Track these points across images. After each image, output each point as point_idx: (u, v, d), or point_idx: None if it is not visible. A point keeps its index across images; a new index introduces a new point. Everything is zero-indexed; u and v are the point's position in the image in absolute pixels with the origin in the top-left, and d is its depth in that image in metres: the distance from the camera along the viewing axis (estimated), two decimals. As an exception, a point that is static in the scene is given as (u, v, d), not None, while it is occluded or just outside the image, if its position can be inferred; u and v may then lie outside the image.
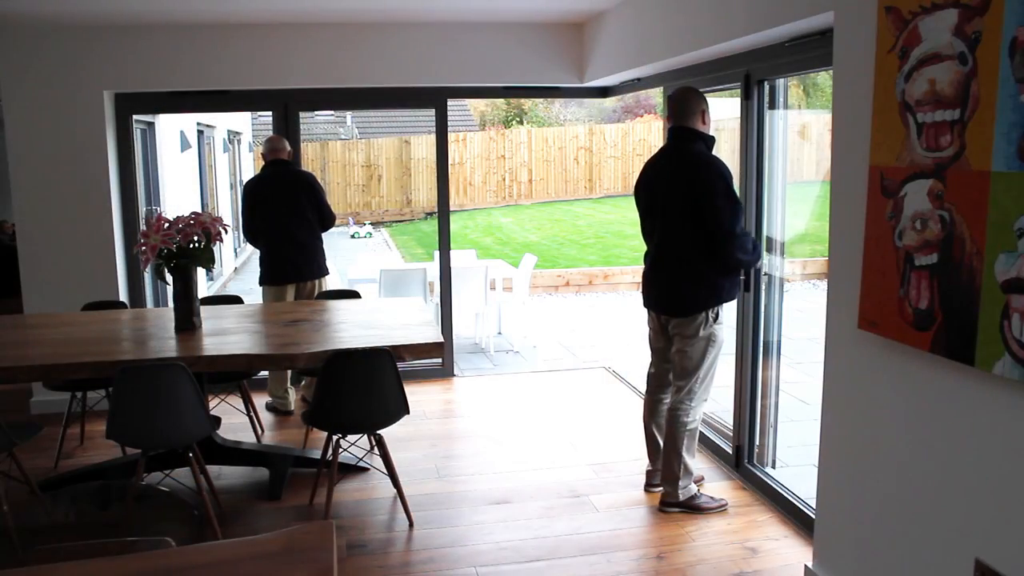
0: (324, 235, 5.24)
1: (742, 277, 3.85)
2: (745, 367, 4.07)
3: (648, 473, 4.04)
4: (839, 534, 2.91)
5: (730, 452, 4.24)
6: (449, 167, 6.16)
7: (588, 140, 20.15)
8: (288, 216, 5.04)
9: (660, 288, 3.72)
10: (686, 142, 3.61)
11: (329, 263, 5.36)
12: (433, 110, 5.89)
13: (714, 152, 3.65)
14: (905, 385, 2.49)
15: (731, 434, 4.29)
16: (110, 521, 3.75)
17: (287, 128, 5.63)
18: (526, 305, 7.83)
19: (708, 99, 3.70)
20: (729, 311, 4.04)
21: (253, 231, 5.17)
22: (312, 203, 5.09)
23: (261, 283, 5.19)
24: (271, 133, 5.52)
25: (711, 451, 4.47)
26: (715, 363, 3.70)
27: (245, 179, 14.33)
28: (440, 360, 6.03)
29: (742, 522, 3.68)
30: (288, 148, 5.17)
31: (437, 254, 6.50)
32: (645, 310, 3.88)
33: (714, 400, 4.50)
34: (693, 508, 3.76)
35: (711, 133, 3.67)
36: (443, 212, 6.04)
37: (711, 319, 3.61)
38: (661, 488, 3.88)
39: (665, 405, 3.87)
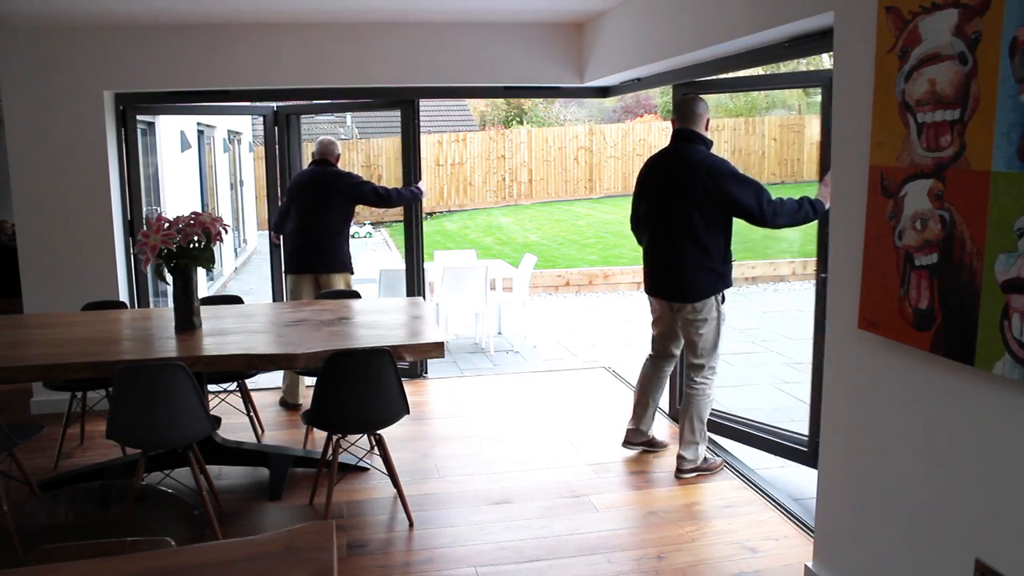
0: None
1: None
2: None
3: (629, 431, 4.42)
4: (839, 534, 2.91)
5: (805, 449, 4.14)
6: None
7: (588, 140, 20.15)
8: (313, 212, 5.25)
9: (672, 277, 4.02)
10: (690, 143, 3.97)
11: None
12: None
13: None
14: (905, 385, 2.49)
15: (786, 432, 4.35)
16: (110, 521, 3.75)
17: (285, 129, 5.80)
18: (526, 305, 7.83)
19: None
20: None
21: (282, 221, 5.44)
22: (343, 200, 5.30)
23: (284, 271, 5.48)
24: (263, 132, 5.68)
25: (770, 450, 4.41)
26: (720, 342, 4.08)
27: (245, 179, 14.44)
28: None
29: (742, 522, 3.68)
30: (336, 152, 5.45)
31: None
32: (649, 296, 4.24)
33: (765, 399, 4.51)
34: (705, 470, 4.16)
35: (710, 138, 4.03)
36: (411, 218, 5.95)
37: (719, 303, 3.98)
38: (638, 448, 4.42)
39: (664, 375, 4.35)
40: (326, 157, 5.39)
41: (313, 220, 5.25)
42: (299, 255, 5.30)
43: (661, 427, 4.82)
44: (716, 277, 3.93)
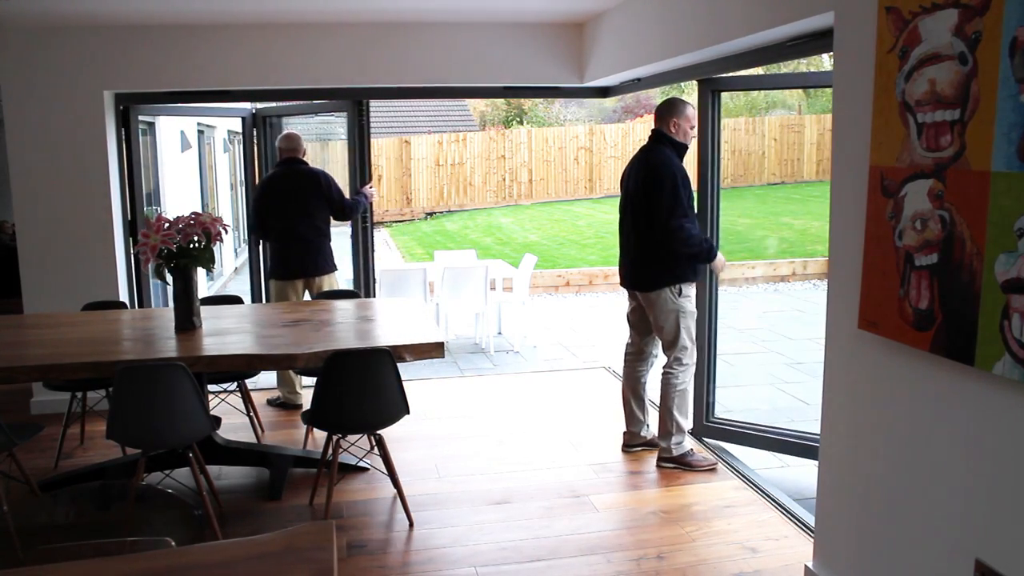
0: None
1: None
2: None
3: (624, 435, 4.52)
4: (839, 534, 2.91)
5: None
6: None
7: (588, 140, 20.16)
8: (297, 215, 5.12)
9: (630, 268, 4.28)
10: (655, 143, 4.18)
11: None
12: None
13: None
14: (905, 385, 2.49)
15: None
16: (110, 521, 3.75)
17: (262, 131, 5.87)
18: (526, 305, 7.83)
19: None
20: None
21: (263, 227, 5.26)
22: (322, 202, 5.16)
23: (268, 277, 5.32)
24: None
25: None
26: (691, 332, 4.19)
27: (245, 179, 14.37)
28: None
29: (742, 522, 3.68)
30: (304, 147, 5.26)
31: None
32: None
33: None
34: (685, 464, 4.22)
35: (683, 141, 4.14)
36: (356, 221, 5.76)
37: (674, 295, 4.12)
38: (638, 449, 4.47)
39: (641, 373, 4.44)
40: (297, 155, 5.19)
41: (301, 224, 5.10)
42: (291, 261, 5.15)
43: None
44: (666, 271, 4.10)
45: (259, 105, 6.03)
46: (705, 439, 4.59)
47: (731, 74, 4.38)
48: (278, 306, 4.65)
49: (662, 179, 4.02)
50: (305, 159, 5.25)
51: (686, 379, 4.22)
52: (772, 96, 23.77)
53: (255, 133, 5.98)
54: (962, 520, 2.27)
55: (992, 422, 2.14)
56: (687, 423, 4.30)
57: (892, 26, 2.39)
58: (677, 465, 4.22)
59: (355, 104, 5.63)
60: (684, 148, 4.15)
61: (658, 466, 4.26)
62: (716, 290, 4.56)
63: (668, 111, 4.13)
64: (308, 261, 5.17)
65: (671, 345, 4.19)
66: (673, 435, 4.22)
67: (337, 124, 24.13)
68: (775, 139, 19.62)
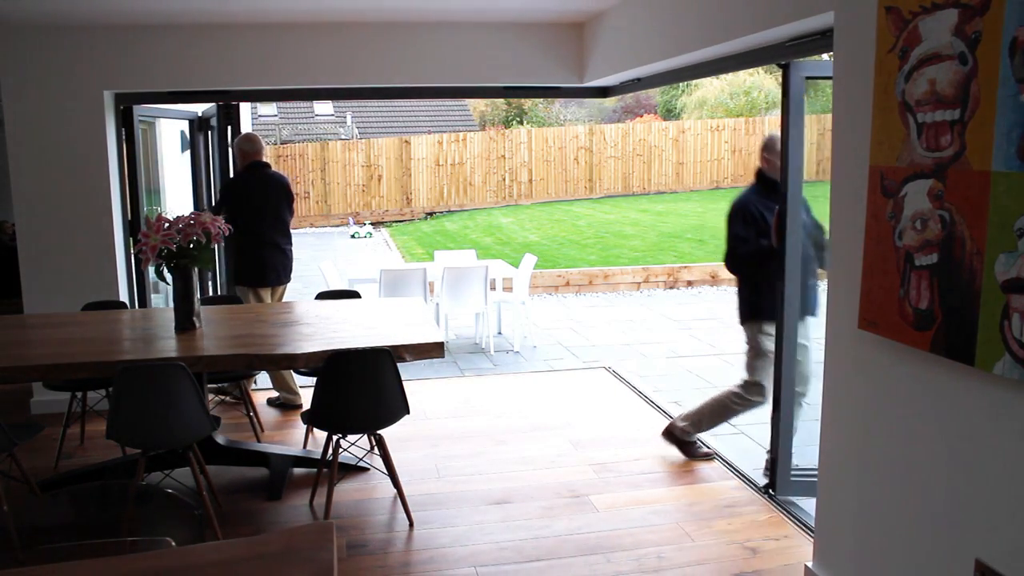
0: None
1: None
2: None
3: (672, 419, 4.57)
4: (839, 534, 2.91)
5: None
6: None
7: (588, 140, 20.17)
8: (271, 222, 5.14)
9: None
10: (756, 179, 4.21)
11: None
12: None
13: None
14: (905, 385, 2.49)
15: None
16: (110, 521, 3.74)
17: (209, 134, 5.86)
18: (526, 305, 7.83)
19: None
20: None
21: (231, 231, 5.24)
22: (290, 207, 5.25)
23: (237, 282, 5.23)
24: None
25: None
26: (760, 375, 4.10)
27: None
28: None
29: (742, 522, 3.68)
30: (265, 148, 5.28)
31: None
32: None
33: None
34: (683, 449, 4.40)
35: (772, 174, 4.01)
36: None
37: (756, 331, 4.13)
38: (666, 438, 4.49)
39: (726, 397, 4.37)
40: (261, 158, 5.20)
41: (275, 231, 5.12)
42: (268, 269, 5.14)
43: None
44: (746, 305, 4.18)
45: (205, 107, 6.01)
46: (779, 496, 3.91)
47: (819, 58, 3.99)
48: (277, 306, 4.65)
49: (729, 218, 4.13)
50: (267, 160, 5.28)
51: (740, 410, 4.24)
52: (772, 96, 23.77)
53: (200, 136, 5.98)
54: (962, 520, 2.27)
55: (992, 422, 2.14)
56: (708, 429, 4.40)
57: (892, 26, 2.39)
58: (676, 446, 4.41)
59: (222, 108, 5.63)
60: (773, 181, 3.95)
61: (662, 435, 4.46)
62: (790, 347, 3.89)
63: (762, 147, 4.19)
64: (282, 269, 5.22)
65: (744, 374, 4.21)
66: (691, 426, 4.37)
67: (337, 124, 24.14)
68: (775, 139, 19.60)
